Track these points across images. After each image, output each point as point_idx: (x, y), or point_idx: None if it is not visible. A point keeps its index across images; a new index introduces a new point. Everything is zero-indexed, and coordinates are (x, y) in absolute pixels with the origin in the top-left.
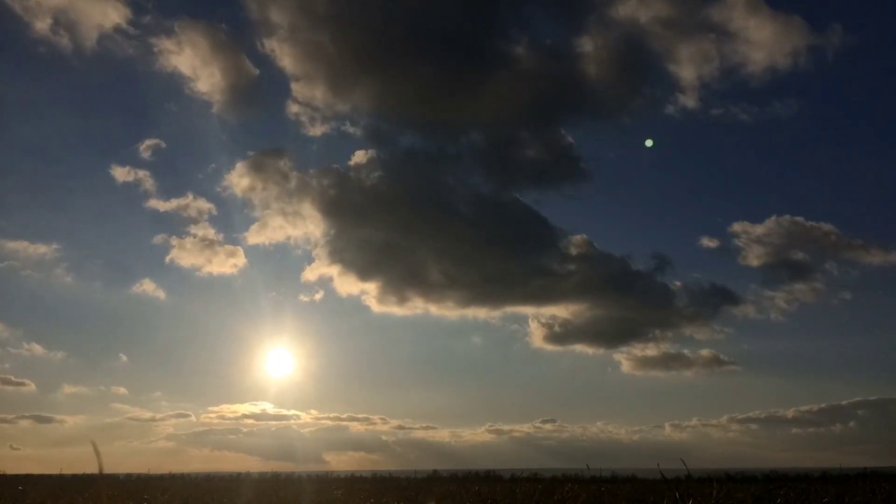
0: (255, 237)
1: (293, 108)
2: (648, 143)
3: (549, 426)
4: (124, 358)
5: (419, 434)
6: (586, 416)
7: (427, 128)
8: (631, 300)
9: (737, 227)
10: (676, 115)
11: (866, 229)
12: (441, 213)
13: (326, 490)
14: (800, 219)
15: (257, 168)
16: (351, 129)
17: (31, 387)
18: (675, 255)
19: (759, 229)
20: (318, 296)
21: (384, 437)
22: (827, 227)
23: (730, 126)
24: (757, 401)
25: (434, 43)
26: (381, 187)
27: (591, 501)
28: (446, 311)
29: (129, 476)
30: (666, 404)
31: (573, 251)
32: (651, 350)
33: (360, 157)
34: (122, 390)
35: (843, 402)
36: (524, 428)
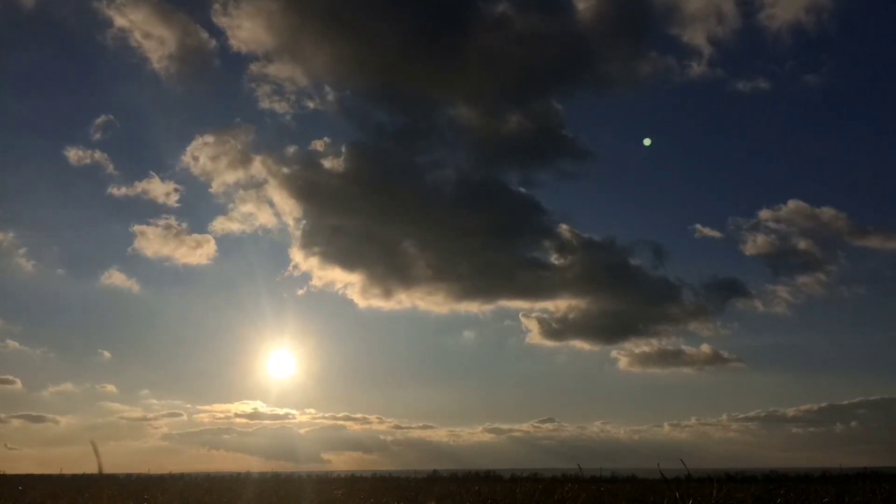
0: (223, 225)
1: (252, 84)
2: (647, 141)
3: (547, 426)
4: (107, 354)
5: (416, 434)
6: (585, 415)
7: (401, 102)
8: (628, 293)
9: (741, 213)
10: (685, 85)
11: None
12: (422, 199)
13: (326, 490)
14: (805, 205)
15: (218, 149)
16: (317, 105)
17: (18, 384)
18: (674, 245)
19: (764, 216)
20: (301, 290)
21: (382, 437)
22: (834, 213)
23: (743, 97)
24: (758, 399)
25: (406, 2)
26: (354, 169)
27: (590, 501)
28: (435, 306)
29: (129, 476)
30: (665, 402)
31: (567, 240)
32: (649, 346)
33: (328, 135)
34: (111, 388)
35: (845, 402)
36: (522, 427)
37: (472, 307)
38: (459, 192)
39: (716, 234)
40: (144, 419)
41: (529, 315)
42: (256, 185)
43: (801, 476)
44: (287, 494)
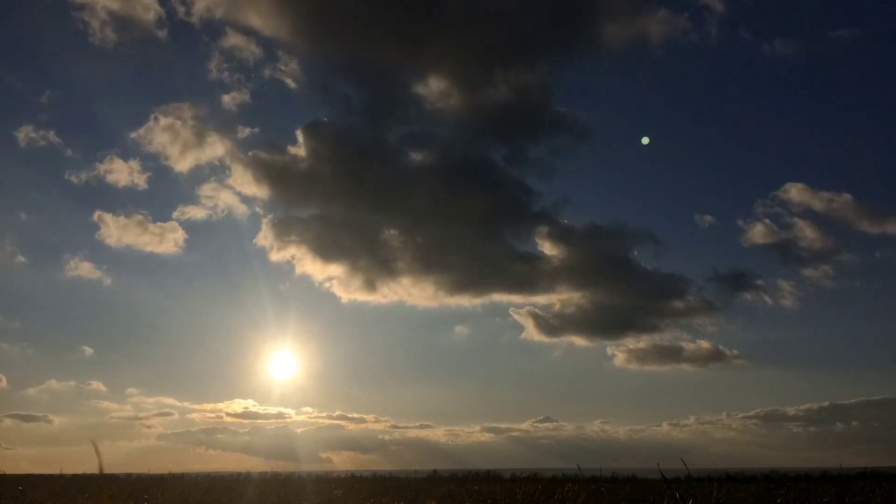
0: (191, 212)
1: (208, 56)
2: (645, 140)
3: (546, 425)
4: (89, 350)
5: (414, 433)
6: (583, 415)
7: (369, 74)
8: (626, 286)
9: (747, 201)
10: (698, 48)
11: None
12: (400, 182)
13: (326, 490)
14: (812, 188)
15: (179, 129)
16: (279, 79)
17: (3, 382)
18: (676, 234)
19: (771, 202)
20: (282, 284)
21: (380, 437)
22: (843, 197)
23: (764, 62)
24: (758, 397)
25: None
26: (322, 150)
27: (590, 501)
28: (423, 300)
29: (128, 476)
30: (664, 401)
31: (558, 228)
32: (648, 342)
33: (291, 112)
34: (99, 386)
35: (845, 402)
36: (521, 426)
37: (462, 301)
38: (440, 175)
39: (720, 223)
40: (136, 418)
41: (523, 310)
42: (220, 170)
43: (801, 476)
44: (287, 494)
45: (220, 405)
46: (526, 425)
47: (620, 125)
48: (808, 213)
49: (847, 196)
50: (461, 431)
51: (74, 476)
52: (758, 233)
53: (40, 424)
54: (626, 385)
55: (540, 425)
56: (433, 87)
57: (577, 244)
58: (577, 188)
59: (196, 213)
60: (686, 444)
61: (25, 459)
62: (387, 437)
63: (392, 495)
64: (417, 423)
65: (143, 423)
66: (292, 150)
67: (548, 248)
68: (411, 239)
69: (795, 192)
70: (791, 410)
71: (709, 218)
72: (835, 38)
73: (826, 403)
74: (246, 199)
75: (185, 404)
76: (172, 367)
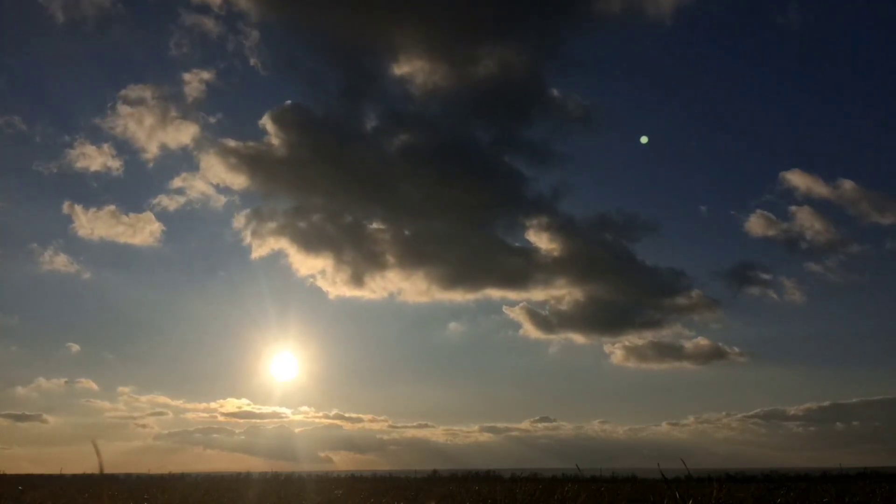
0: (165, 202)
1: (174, 35)
2: (644, 139)
3: (544, 424)
4: (76, 347)
5: (412, 433)
6: (582, 414)
7: (344, 54)
8: (623, 280)
9: (750, 190)
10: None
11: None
12: (385, 171)
13: (327, 490)
14: (817, 177)
15: (144, 114)
16: (251, 57)
17: None
18: (676, 225)
19: (776, 194)
20: (267, 277)
21: (378, 437)
22: (850, 185)
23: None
24: (759, 396)
25: None
26: (299, 137)
27: (590, 501)
28: (414, 296)
29: (128, 476)
30: (663, 400)
31: (554, 219)
32: (647, 339)
33: (264, 95)
34: (90, 385)
35: (847, 401)
36: (519, 426)
37: (455, 296)
38: (426, 162)
39: (723, 214)
40: (131, 418)
41: (518, 306)
42: (191, 158)
43: (801, 476)
44: (287, 494)
45: (213, 404)
46: (524, 424)
47: (619, 107)
48: (815, 203)
49: (851, 183)
50: (460, 431)
51: (74, 476)
52: (762, 225)
53: (35, 424)
54: (624, 383)
55: (538, 425)
56: (414, 66)
57: (573, 236)
58: (573, 174)
59: (171, 203)
60: (686, 443)
61: (23, 459)
62: (385, 437)
63: (392, 495)
64: (415, 423)
65: (137, 422)
66: (265, 136)
67: (543, 241)
68: (398, 231)
69: (800, 181)
70: (792, 410)
71: (712, 209)
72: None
73: (827, 403)
74: (222, 190)
75: (179, 403)
76: (162, 365)
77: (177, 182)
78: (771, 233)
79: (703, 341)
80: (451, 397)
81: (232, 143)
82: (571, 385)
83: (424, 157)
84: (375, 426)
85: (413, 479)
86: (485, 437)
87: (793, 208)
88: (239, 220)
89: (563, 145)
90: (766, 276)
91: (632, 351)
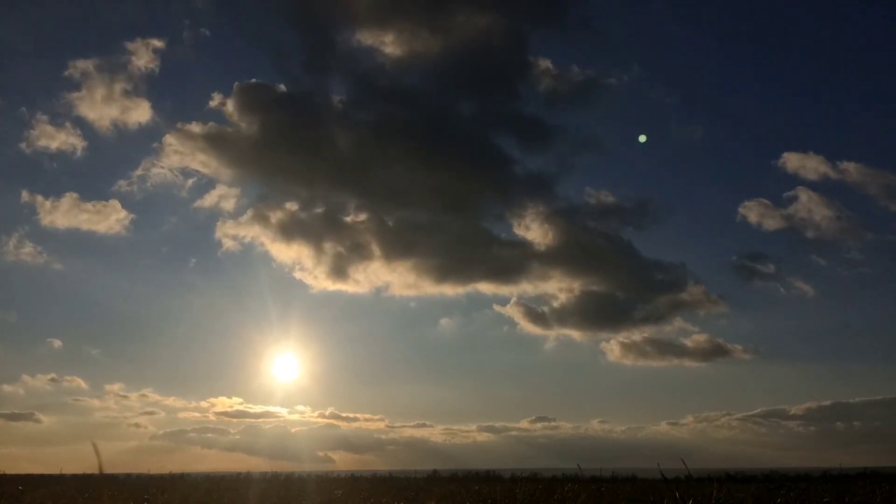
0: (128, 188)
1: (126, 6)
2: (642, 138)
3: (542, 424)
4: (57, 343)
5: (409, 432)
6: (580, 413)
7: (303, 22)
8: (620, 273)
9: (754, 179)
10: None
11: None
12: (367, 151)
13: (327, 490)
14: (825, 158)
15: (96, 89)
16: (207, 31)
17: None
18: (677, 214)
19: (782, 183)
20: (242, 267)
21: (376, 436)
22: (853, 167)
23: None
24: (761, 395)
25: None
26: (263, 116)
27: (590, 501)
28: (401, 290)
29: (128, 476)
30: (662, 399)
31: (546, 207)
32: (645, 335)
33: (223, 69)
34: (79, 383)
35: (850, 401)
36: (518, 425)
37: (445, 290)
38: (405, 142)
39: (727, 202)
40: (123, 417)
41: (511, 301)
42: (153, 139)
43: (801, 476)
44: (287, 494)
45: (204, 403)
46: (522, 424)
47: (615, 76)
48: (822, 191)
49: (857, 167)
50: (458, 431)
51: (74, 476)
52: (767, 215)
53: (28, 423)
54: (623, 381)
55: (537, 424)
56: (386, 32)
57: (568, 225)
58: (567, 159)
59: (134, 189)
60: (686, 443)
61: (20, 459)
62: (384, 437)
63: (392, 495)
64: (414, 423)
65: (129, 421)
66: (226, 116)
67: (535, 231)
68: (378, 219)
69: (808, 169)
70: (793, 409)
71: (715, 198)
72: None
73: (828, 402)
74: (187, 174)
75: (170, 402)
76: (149, 361)
77: (138, 167)
78: (776, 224)
79: (704, 337)
80: (446, 396)
81: (192, 125)
82: (569, 383)
83: (401, 135)
84: (371, 426)
85: (413, 479)
86: (483, 436)
87: (797, 196)
88: (206, 208)
89: (556, 122)
90: (771, 269)
91: (630, 348)
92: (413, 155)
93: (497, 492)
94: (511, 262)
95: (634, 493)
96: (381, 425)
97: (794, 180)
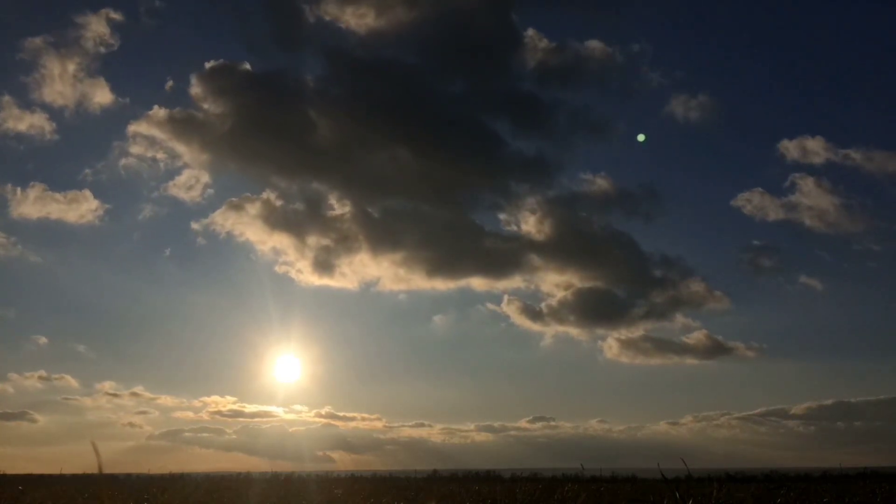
0: (98, 176)
1: None
2: (640, 137)
3: (541, 424)
4: (43, 339)
5: (406, 432)
6: (579, 413)
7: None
8: (618, 266)
9: (758, 167)
10: None
11: None
12: (346, 134)
13: (327, 490)
14: (830, 143)
15: (58, 73)
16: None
17: None
18: (678, 203)
19: (786, 171)
20: (227, 259)
21: (374, 436)
22: (861, 155)
23: None
24: (763, 394)
25: None
26: (235, 99)
27: (590, 501)
28: (393, 283)
29: (128, 476)
30: (661, 397)
31: (540, 197)
32: (644, 332)
33: (189, 48)
34: (69, 380)
35: (852, 400)
36: (517, 425)
37: (436, 284)
38: (388, 124)
39: (728, 191)
40: (118, 416)
41: (503, 296)
42: (122, 122)
43: (801, 476)
44: (287, 494)
45: (196, 402)
46: (521, 423)
47: (613, 51)
48: (829, 178)
49: (866, 154)
50: (457, 430)
51: (74, 476)
52: (770, 206)
53: (22, 423)
54: (622, 379)
55: (536, 424)
56: (361, 5)
57: (563, 215)
58: (562, 143)
59: (104, 178)
60: (685, 442)
61: (18, 459)
62: (382, 437)
63: (392, 495)
64: (412, 423)
65: (123, 420)
66: (195, 100)
67: (530, 222)
68: (365, 212)
69: (816, 154)
70: (794, 408)
71: (717, 188)
72: None
73: (830, 402)
74: (158, 162)
75: (163, 400)
76: (138, 358)
77: (105, 154)
78: (780, 215)
79: (704, 335)
80: (443, 395)
81: (157, 109)
82: (567, 381)
83: (382, 116)
84: (366, 425)
85: (413, 479)
86: (482, 436)
87: (800, 185)
88: (179, 197)
89: (550, 102)
90: (775, 263)
91: (629, 345)
92: (397, 138)
93: (497, 492)
94: (503, 254)
95: (634, 493)
96: (379, 425)
97: (799, 168)
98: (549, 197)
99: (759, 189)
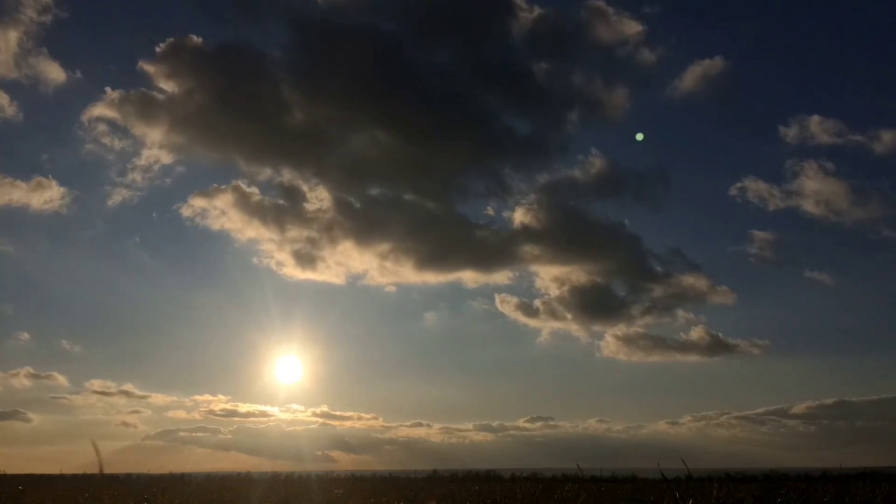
0: (62, 161)
1: None
2: (639, 136)
3: (541, 423)
4: (25, 335)
5: (404, 432)
6: (578, 411)
7: None
8: (615, 261)
9: (765, 151)
10: None
11: None
12: (317, 125)
13: (327, 489)
14: (840, 124)
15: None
16: None
17: None
18: (679, 194)
19: (794, 158)
20: (207, 250)
21: (373, 435)
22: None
23: None
24: (764, 393)
25: None
26: (199, 78)
27: (590, 501)
28: (382, 277)
29: (129, 476)
30: (660, 396)
31: (534, 184)
32: (644, 328)
33: (152, 20)
34: (59, 378)
35: (855, 399)
36: (516, 424)
37: (427, 278)
38: (360, 101)
39: (732, 177)
40: (111, 416)
41: (496, 291)
42: (81, 101)
43: (801, 476)
44: (287, 494)
45: (188, 401)
46: (520, 423)
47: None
48: (838, 165)
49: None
50: (455, 430)
51: (74, 476)
52: (775, 196)
53: (17, 422)
54: (620, 378)
55: (535, 423)
56: None
57: (558, 205)
58: (555, 122)
59: (65, 163)
60: (685, 442)
61: (15, 459)
62: (380, 437)
63: (392, 495)
64: (410, 422)
65: (117, 420)
66: (151, 80)
67: (523, 211)
68: (345, 201)
69: (825, 136)
70: (795, 408)
71: (721, 176)
72: None
73: (830, 401)
74: (117, 146)
75: (154, 398)
76: (126, 354)
77: (63, 137)
78: (783, 204)
79: (704, 331)
80: (439, 393)
81: (113, 90)
82: (564, 379)
83: (357, 93)
84: (363, 424)
85: (413, 478)
86: (480, 436)
87: (807, 173)
88: (147, 184)
89: (545, 76)
90: (778, 257)
91: (628, 342)
92: (374, 117)
93: (497, 492)
94: (494, 246)
95: (634, 492)
96: (376, 424)
97: (810, 158)
98: (544, 183)
99: (762, 176)
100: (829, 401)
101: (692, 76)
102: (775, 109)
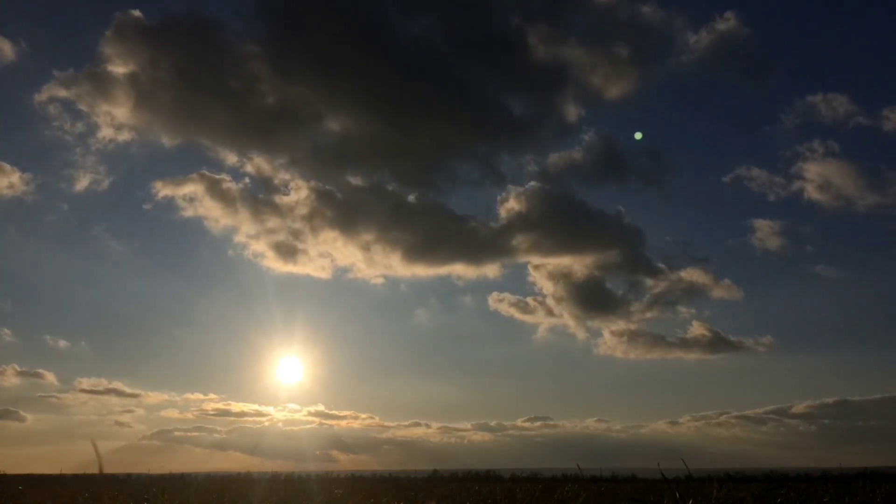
0: (26, 145)
1: None
2: (638, 135)
3: (539, 423)
4: (7, 332)
5: (402, 432)
6: (577, 410)
7: None
8: (613, 254)
9: (770, 136)
10: None
11: None
12: (292, 106)
13: (327, 489)
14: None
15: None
16: None
17: None
18: (679, 186)
19: (802, 143)
20: (171, 235)
21: (372, 435)
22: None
23: None
24: (765, 392)
25: None
26: (153, 55)
27: (590, 501)
28: (369, 270)
29: (129, 476)
30: (659, 395)
31: (529, 169)
32: (642, 325)
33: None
34: (48, 376)
35: (857, 399)
36: (514, 423)
37: (417, 271)
38: (335, 77)
39: (737, 169)
40: (104, 415)
41: (486, 287)
42: (39, 80)
43: (801, 476)
44: (287, 494)
45: (179, 399)
46: (519, 422)
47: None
48: (846, 152)
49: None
50: (454, 430)
51: (74, 476)
52: (779, 187)
53: (11, 422)
54: (619, 376)
55: (535, 423)
56: None
57: (552, 197)
58: (548, 99)
59: (35, 144)
60: (685, 442)
61: (13, 458)
62: (378, 436)
63: (392, 495)
64: (408, 422)
65: (111, 419)
66: (105, 61)
67: (517, 201)
68: (325, 190)
69: (834, 115)
70: (795, 407)
71: (724, 165)
72: None
73: (831, 400)
74: (79, 128)
75: (148, 397)
76: (113, 351)
77: (20, 121)
78: (785, 194)
79: (704, 328)
80: (437, 392)
81: (68, 70)
82: (561, 377)
83: (332, 69)
84: (360, 423)
85: (413, 478)
86: (479, 436)
87: (817, 159)
88: (112, 167)
89: (536, 50)
90: (782, 252)
91: (627, 339)
92: (349, 94)
93: (497, 492)
94: (485, 238)
95: (634, 492)
96: (373, 423)
97: (817, 145)
98: (538, 168)
99: (765, 165)
100: (831, 400)
101: (703, 39)
102: (783, 87)
